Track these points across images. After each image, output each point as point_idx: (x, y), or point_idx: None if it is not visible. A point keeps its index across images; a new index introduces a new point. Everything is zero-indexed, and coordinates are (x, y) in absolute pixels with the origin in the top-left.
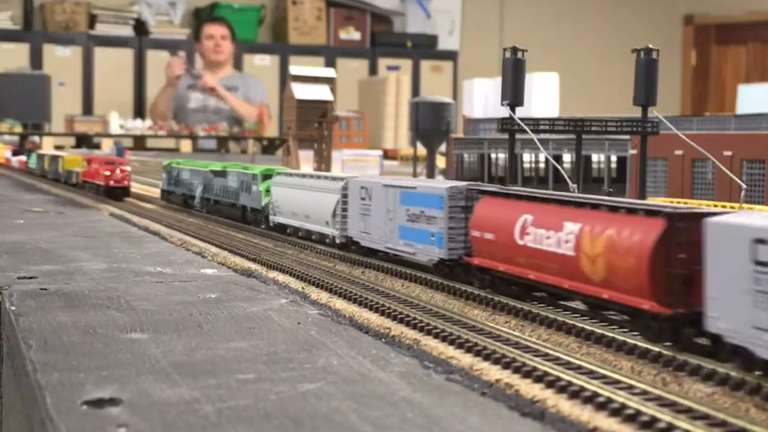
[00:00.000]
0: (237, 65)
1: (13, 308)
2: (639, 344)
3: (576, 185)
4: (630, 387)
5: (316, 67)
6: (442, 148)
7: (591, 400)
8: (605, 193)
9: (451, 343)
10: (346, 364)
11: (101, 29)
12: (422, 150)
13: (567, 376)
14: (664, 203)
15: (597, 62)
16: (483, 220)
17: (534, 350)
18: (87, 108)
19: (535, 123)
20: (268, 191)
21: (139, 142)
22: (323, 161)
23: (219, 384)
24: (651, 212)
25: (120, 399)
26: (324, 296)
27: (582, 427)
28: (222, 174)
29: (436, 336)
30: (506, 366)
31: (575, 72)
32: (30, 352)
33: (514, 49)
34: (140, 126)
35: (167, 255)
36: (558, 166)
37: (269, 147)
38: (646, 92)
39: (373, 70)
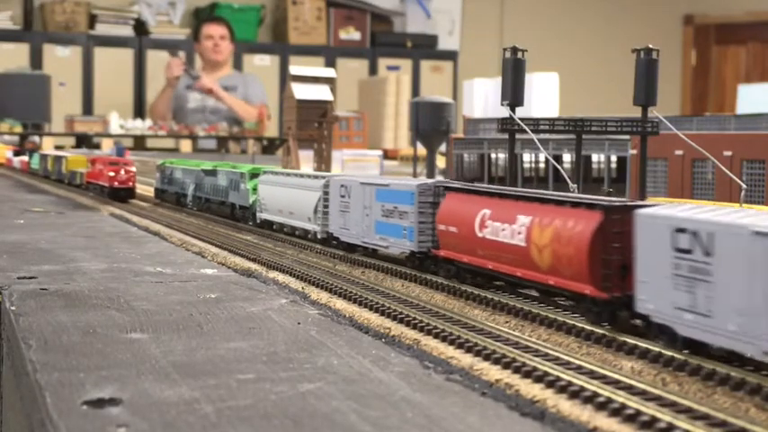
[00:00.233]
0: (237, 65)
1: (13, 308)
2: (639, 344)
3: (575, 185)
4: (630, 387)
5: (316, 67)
6: (442, 148)
7: (591, 400)
8: (605, 193)
9: (451, 343)
10: (346, 363)
11: (101, 29)
12: (422, 150)
13: (566, 376)
14: (602, 198)
15: (597, 62)
16: (448, 214)
17: (534, 350)
18: (87, 108)
19: (535, 123)
20: (255, 189)
21: (139, 142)
22: (323, 161)
23: (219, 384)
24: (590, 206)
25: (120, 399)
26: (324, 296)
27: (582, 427)
28: (212, 173)
29: (436, 336)
30: (506, 366)
31: (575, 72)
32: (30, 352)
33: (514, 49)
34: (140, 126)
35: (167, 255)
36: (558, 166)
37: (269, 147)
38: (646, 92)
39: (373, 70)
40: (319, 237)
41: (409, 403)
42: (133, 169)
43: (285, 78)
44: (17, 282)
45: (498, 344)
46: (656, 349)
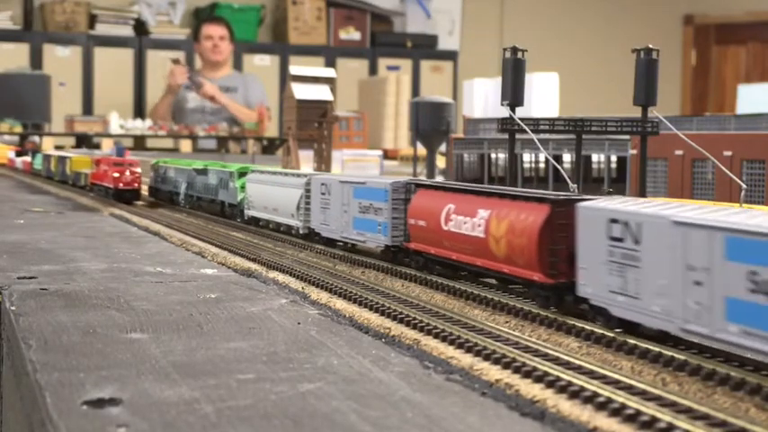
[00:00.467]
0: (237, 65)
1: (13, 308)
2: (639, 344)
3: (575, 185)
4: (630, 387)
5: (316, 67)
6: (442, 148)
7: (591, 400)
8: (605, 193)
9: (451, 343)
10: (346, 363)
11: (101, 29)
12: (422, 150)
13: (566, 376)
14: (550, 193)
15: (597, 62)
16: (418, 209)
17: (534, 350)
18: (87, 108)
19: (535, 123)
20: (243, 187)
21: (139, 142)
22: (323, 161)
23: (219, 384)
24: (540, 200)
25: (120, 399)
26: (324, 296)
27: (582, 427)
28: (203, 172)
29: (436, 336)
30: (506, 366)
31: (575, 72)
32: (30, 352)
33: (514, 49)
34: (140, 126)
35: (167, 255)
36: (558, 166)
37: (269, 147)
38: (646, 92)
39: (373, 70)
40: (301, 232)
41: (409, 403)
42: (139, 170)
43: (285, 78)
44: (17, 282)
45: (498, 344)
46: (656, 349)
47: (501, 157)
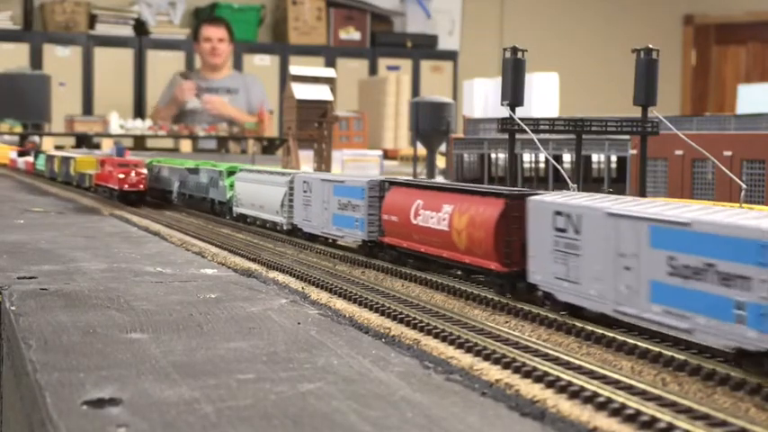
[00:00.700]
0: (237, 65)
1: (13, 308)
2: (639, 344)
3: (575, 185)
4: (630, 387)
5: (316, 67)
6: (442, 148)
7: (591, 400)
8: (605, 193)
9: (451, 343)
10: (346, 363)
11: (101, 29)
12: (422, 150)
13: (567, 376)
14: (506, 188)
15: (597, 62)
16: (391, 205)
17: (534, 350)
18: (87, 108)
19: (535, 123)
20: (232, 186)
21: (139, 142)
22: (323, 161)
23: (219, 384)
24: (497, 195)
25: (120, 399)
26: (324, 296)
27: (582, 427)
28: (195, 171)
29: (436, 336)
30: (506, 366)
31: (575, 72)
32: (30, 352)
33: (514, 49)
34: (140, 126)
35: (167, 255)
36: (558, 166)
37: (269, 147)
38: (646, 92)
39: (373, 70)
40: (285, 228)
41: (409, 403)
42: (144, 171)
43: (285, 78)
44: (17, 282)
45: (498, 344)
46: (656, 349)
47: (501, 157)
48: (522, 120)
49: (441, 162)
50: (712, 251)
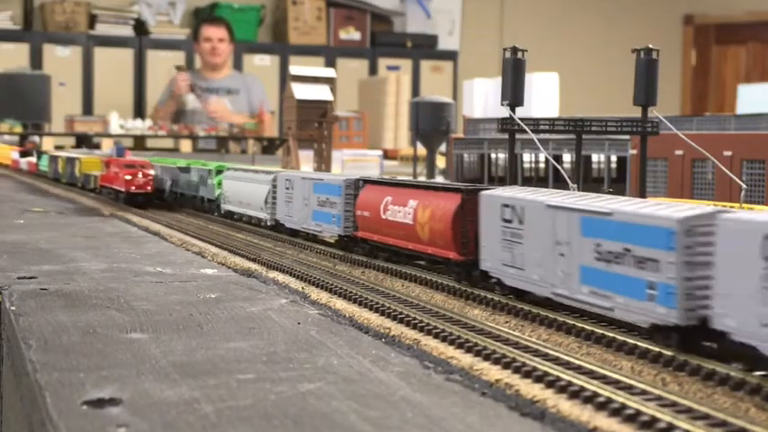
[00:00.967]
0: (237, 65)
1: (13, 308)
2: (639, 344)
3: (575, 185)
4: (630, 387)
5: (316, 67)
6: (442, 148)
7: (591, 400)
8: (605, 193)
9: (451, 343)
10: (346, 363)
11: (101, 29)
12: (422, 150)
13: (566, 376)
14: (462, 184)
15: (597, 62)
16: (364, 202)
17: (534, 350)
18: (87, 108)
19: (535, 123)
20: (220, 184)
21: (139, 142)
22: (323, 161)
23: (219, 384)
24: (455, 190)
25: (120, 399)
26: (324, 296)
27: (582, 427)
28: (186, 170)
29: (436, 336)
30: (506, 366)
31: (575, 72)
32: (30, 352)
33: (514, 49)
34: (140, 126)
35: (167, 255)
36: (558, 166)
37: (269, 147)
38: (646, 92)
39: (373, 70)
40: (269, 224)
41: (409, 403)
42: (152, 172)
43: (285, 78)
44: (17, 282)
45: (498, 344)
46: (656, 349)
47: (501, 157)
48: (522, 120)
49: (441, 162)
50: (630, 237)
